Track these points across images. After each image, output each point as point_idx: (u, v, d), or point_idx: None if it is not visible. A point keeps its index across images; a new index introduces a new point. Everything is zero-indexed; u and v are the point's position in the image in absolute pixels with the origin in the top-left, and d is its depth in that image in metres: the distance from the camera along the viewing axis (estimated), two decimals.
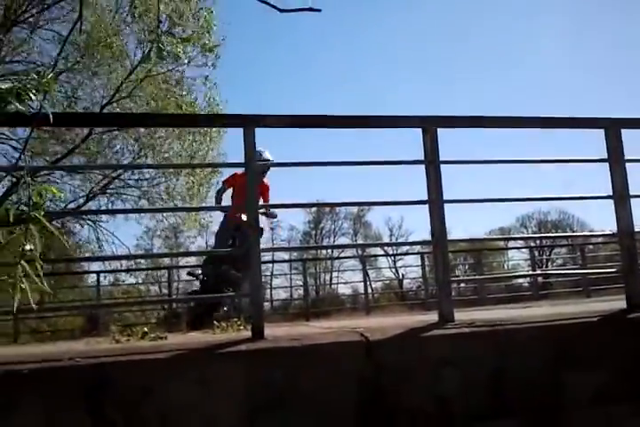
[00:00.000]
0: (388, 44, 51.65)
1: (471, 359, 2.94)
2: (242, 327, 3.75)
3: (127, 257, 18.98)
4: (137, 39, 13.89)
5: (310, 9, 2.30)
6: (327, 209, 39.98)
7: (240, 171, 6.21)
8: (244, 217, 6.04)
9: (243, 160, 3.09)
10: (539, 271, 15.25)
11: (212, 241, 7.43)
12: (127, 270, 17.10)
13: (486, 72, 51.47)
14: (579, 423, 3.05)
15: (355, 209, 40.28)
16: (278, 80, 51.07)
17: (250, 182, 3.12)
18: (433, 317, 3.42)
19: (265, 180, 6.44)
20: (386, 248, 34.42)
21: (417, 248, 14.70)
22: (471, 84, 50.70)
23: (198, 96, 14.30)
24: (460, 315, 3.61)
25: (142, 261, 15.22)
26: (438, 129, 3.37)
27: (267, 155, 6.24)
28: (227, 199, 6.73)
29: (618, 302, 3.77)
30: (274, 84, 50.91)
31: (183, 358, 2.63)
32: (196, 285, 7.32)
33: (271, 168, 6.29)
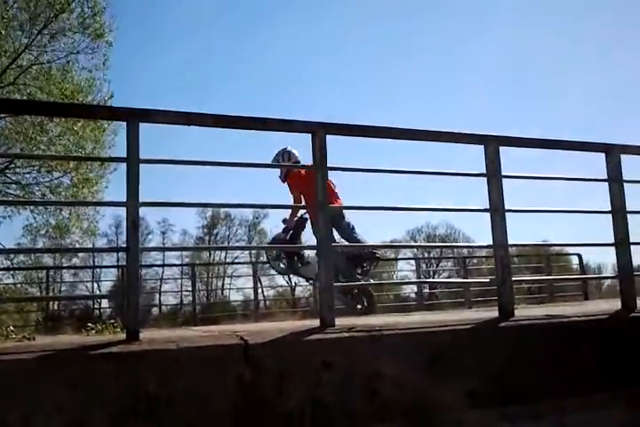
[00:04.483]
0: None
1: (350, 363, 2.98)
2: (119, 330, 3.60)
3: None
4: (21, 24, 13.22)
5: None
6: (222, 215, 39.56)
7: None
8: None
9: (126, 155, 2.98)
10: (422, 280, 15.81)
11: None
12: (5, 269, 16.05)
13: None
14: None
15: (250, 216, 40.16)
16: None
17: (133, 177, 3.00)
18: (316, 322, 3.43)
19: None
20: None
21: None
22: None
23: (87, 86, 13.83)
24: (344, 321, 3.66)
25: (21, 261, 14.38)
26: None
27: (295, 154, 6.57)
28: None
29: (492, 313, 3.94)
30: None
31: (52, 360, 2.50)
32: None
33: None
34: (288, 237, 6.60)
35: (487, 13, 51.19)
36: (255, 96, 48.52)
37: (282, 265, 6.77)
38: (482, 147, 3.84)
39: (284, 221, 6.76)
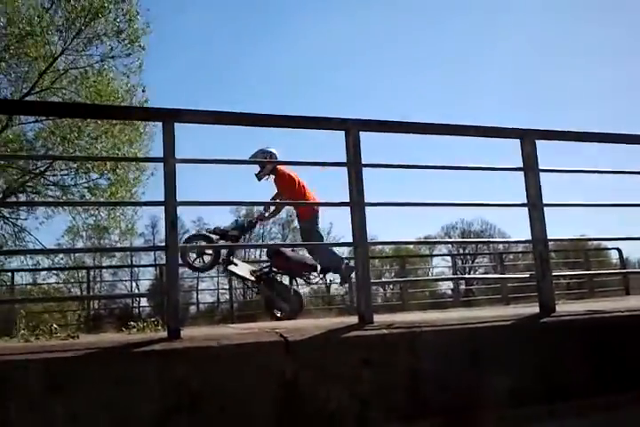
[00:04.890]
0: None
1: (389, 360, 2.97)
2: (159, 328, 3.66)
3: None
4: (57, 29, 13.47)
5: None
6: (256, 213, 39.78)
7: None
8: None
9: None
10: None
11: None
12: (47, 269, 16.41)
13: None
14: (495, 424, 3.13)
15: (284, 214, 40.24)
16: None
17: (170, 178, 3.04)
18: (354, 319, 3.43)
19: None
20: None
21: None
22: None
23: (122, 89, 14.07)
24: (382, 317, 3.65)
25: (62, 260, 14.68)
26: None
27: (276, 154, 6.42)
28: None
29: (532, 308, 3.89)
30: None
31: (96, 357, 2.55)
32: None
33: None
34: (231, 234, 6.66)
35: (504, 12, 50.55)
36: (271, 97, 48.48)
37: (197, 263, 6.74)
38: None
39: (262, 216, 6.87)
